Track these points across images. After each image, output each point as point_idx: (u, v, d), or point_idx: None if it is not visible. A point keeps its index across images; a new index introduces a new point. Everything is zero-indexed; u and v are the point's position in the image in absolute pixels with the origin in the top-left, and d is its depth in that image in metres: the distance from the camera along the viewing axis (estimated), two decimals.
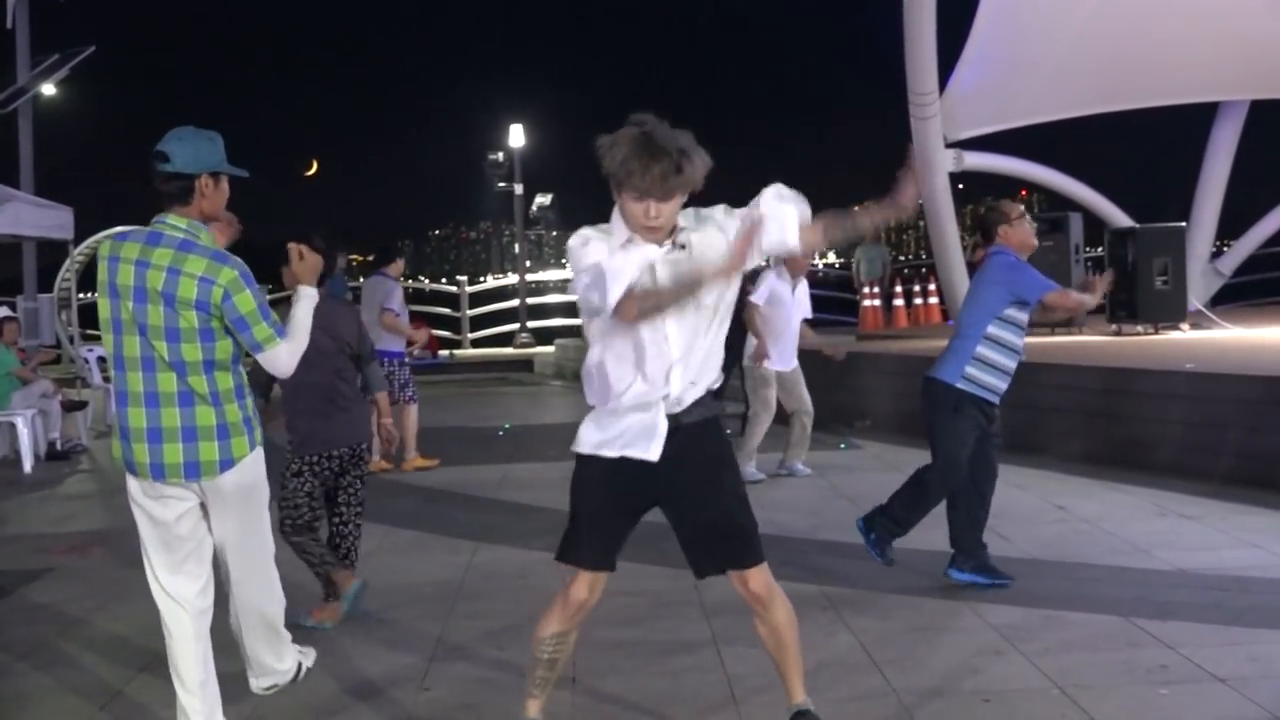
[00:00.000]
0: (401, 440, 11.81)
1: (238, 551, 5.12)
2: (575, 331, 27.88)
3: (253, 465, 5.08)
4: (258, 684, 5.35)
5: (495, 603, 7.54)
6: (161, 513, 5.02)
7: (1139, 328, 16.81)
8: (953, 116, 22.77)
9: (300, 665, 5.45)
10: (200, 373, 4.89)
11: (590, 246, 4.56)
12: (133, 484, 5.04)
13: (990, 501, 7.74)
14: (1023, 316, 7.46)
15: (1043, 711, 5.41)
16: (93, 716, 5.82)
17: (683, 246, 4.57)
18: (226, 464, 4.96)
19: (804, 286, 11.66)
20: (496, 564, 8.54)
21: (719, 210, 4.72)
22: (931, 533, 8.94)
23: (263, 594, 5.22)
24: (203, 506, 5.07)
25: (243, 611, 5.21)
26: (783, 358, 11.70)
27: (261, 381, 7.84)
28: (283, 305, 5.38)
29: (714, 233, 4.63)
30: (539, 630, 4.99)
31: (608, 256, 4.51)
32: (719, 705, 5.64)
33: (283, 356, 5.02)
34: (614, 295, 4.43)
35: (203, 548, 5.11)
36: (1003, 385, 7.51)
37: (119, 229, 5.08)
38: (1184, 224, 20.56)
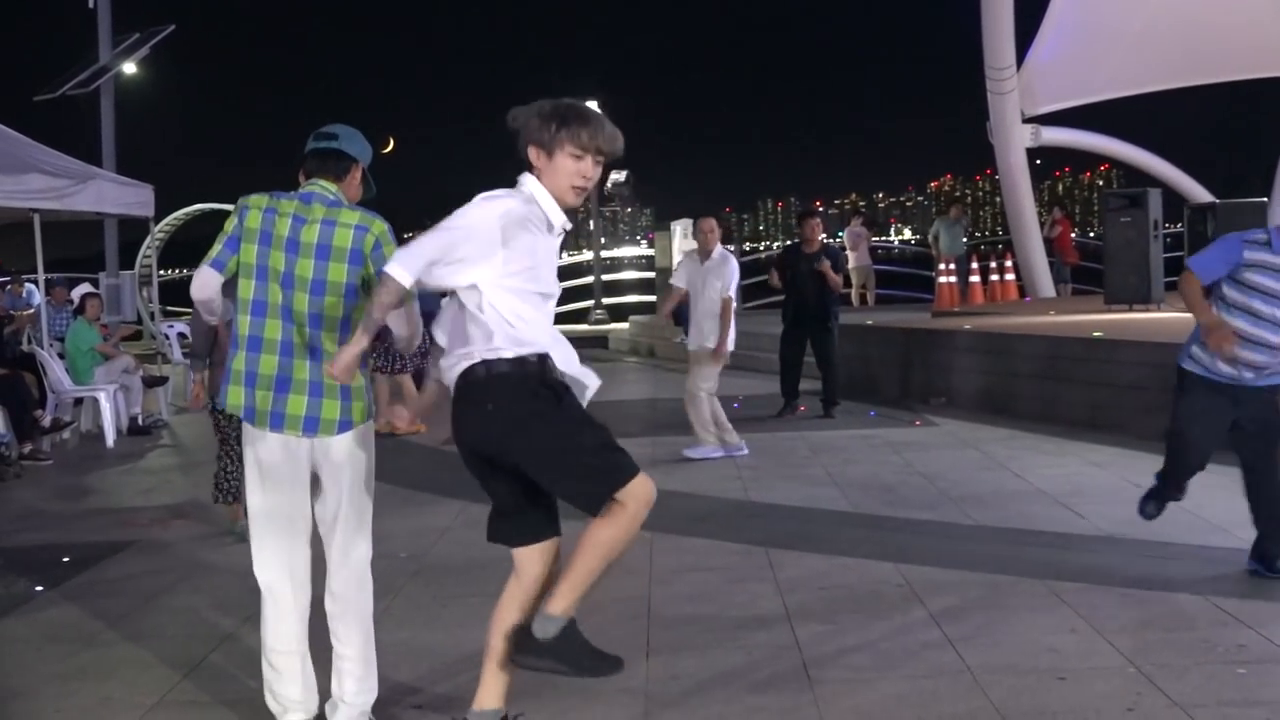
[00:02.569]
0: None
1: (339, 520, 5.16)
2: (650, 308, 27.91)
3: (366, 433, 5.18)
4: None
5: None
6: (284, 466, 5.09)
7: None
8: (1030, 91, 22.63)
9: None
10: (335, 329, 5.02)
11: (517, 230, 4.39)
12: (249, 431, 5.12)
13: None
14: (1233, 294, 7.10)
15: (1118, 690, 5.38)
16: (176, 686, 5.91)
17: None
18: (345, 424, 5.07)
19: (722, 266, 11.53)
20: (573, 540, 8.54)
21: None
22: (1007, 510, 8.92)
23: (356, 578, 5.24)
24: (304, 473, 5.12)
25: (338, 601, 5.21)
26: (691, 335, 11.74)
27: (200, 345, 9.19)
28: None
29: None
30: (502, 619, 4.71)
31: (532, 247, 4.42)
32: (793, 680, 5.64)
33: (410, 317, 5.04)
34: (398, 266, 4.31)
35: (304, 513, 5.17)
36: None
37: (275, 191, 5.15)
38: (1265, 199, 20.31)
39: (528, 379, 4.43)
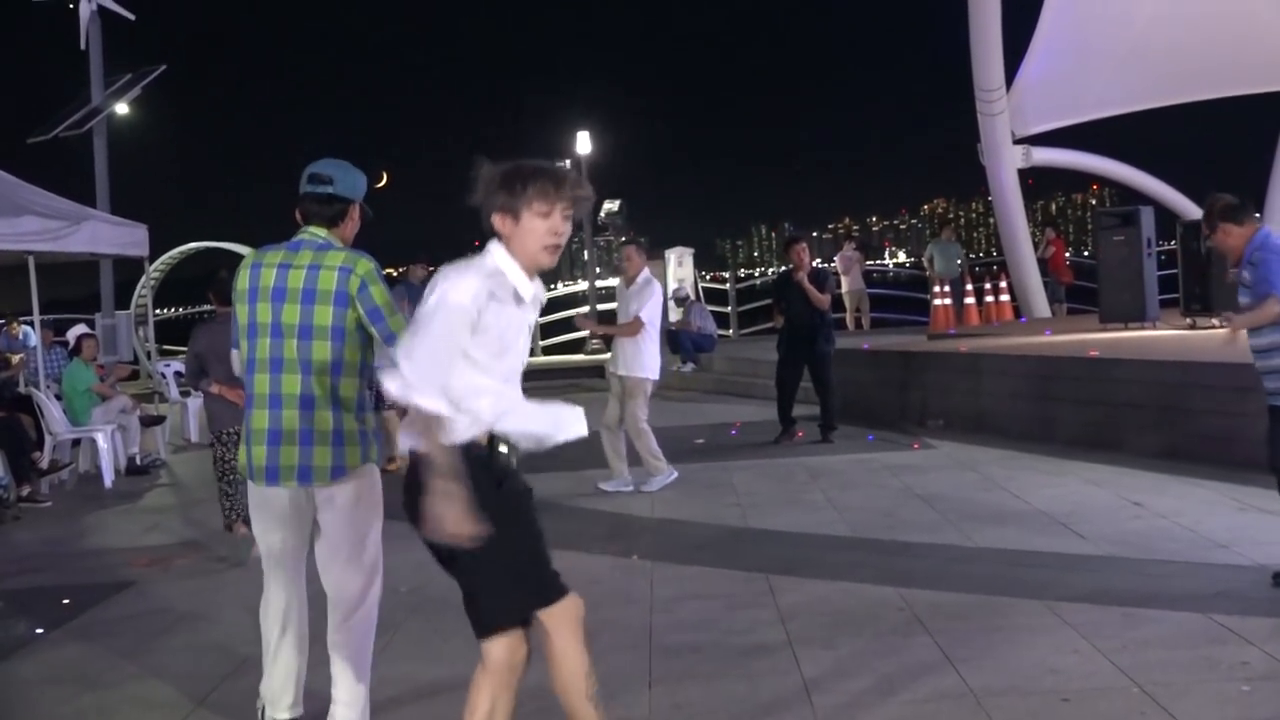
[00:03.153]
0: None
1: (333, 564, 5.27)
2: None
3: (366, 478, 5.24)
4: None
5: None
6: (274, 512, 5.22)
7: (1213, 320, 16.62)
8: (1020, 112, 22.71)
9: None
10: (326, 374, 5.07)
11: (460, 319, 4.11)
12: (253, 490, 5.25)
13: None
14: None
15: (1122, 710, 5.37)
16: None
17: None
18: (339, 470, 5.12)
19: (643, 290, 11.49)
20: (570, 570, 8.51)
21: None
22: (1007, 531, 8.92)
23: (351, 622, 5.33)
24: (305, 518, 5.25)
25: (332, 644, 5.33)
26: (616, 361, 11.72)
27: (192, 368, 10.03)
28: None
29: None
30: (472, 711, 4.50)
31: (498, 315, 4.15)
32: (796, 706, 5.64)
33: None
34: (425, 396, 4.05)
35: (303, 559, 5.33)
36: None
37: (266, 246, 5.26)
38: (1258, 215, 20.35)
39: (470, 467, 4.16)
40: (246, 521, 7.54)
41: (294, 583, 5.40)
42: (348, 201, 5.31)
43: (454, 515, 4.09)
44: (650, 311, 11.39)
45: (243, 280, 5.20)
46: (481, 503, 4.15)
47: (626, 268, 11.90)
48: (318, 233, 5.25)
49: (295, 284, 5.09)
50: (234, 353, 5.35)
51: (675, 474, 11.57)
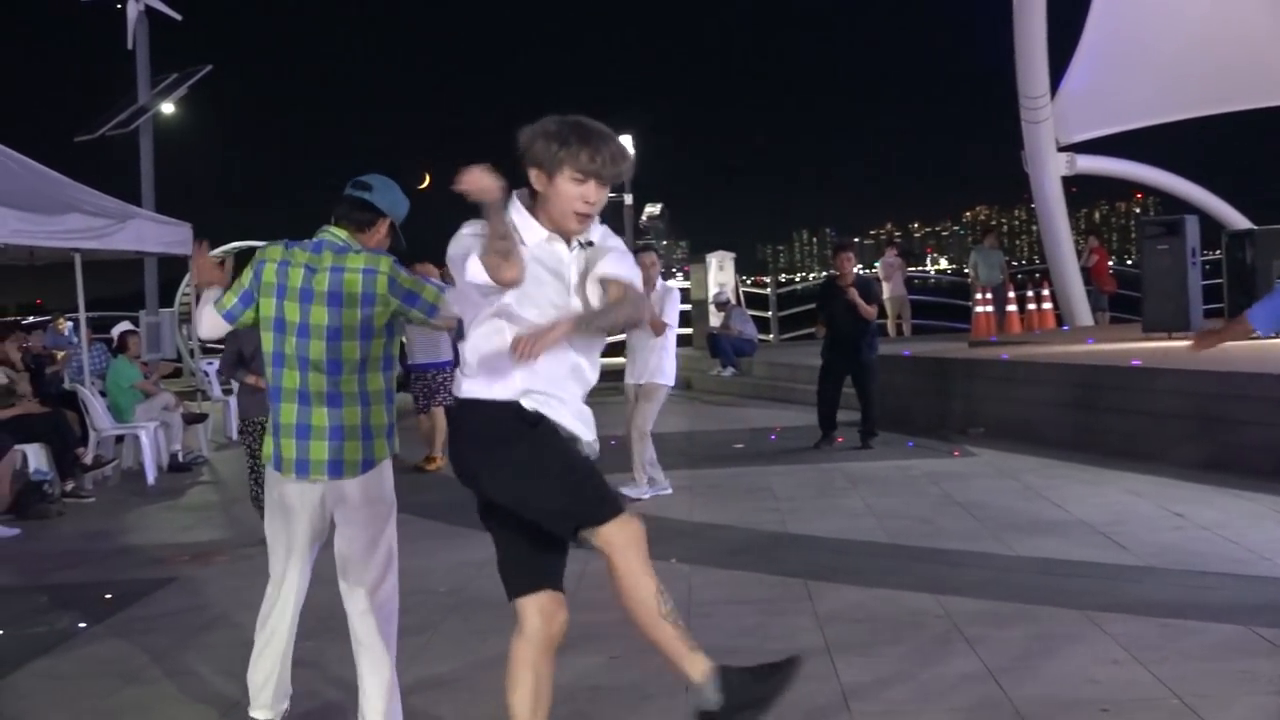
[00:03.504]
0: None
1: (353, 558, 5.34)
2: (687, 340, 27.94)
3: (386, 469, 5.36)
4: None
5: (610, 611, 7.53)
6: (295, 505, 5.32)
7: (1257, 331, 16.51)
8: (1064, 119, 22.62)
9: None
10: (354, 372, 5.20)
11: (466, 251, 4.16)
12: (272, 477, 5.35)
13: None
14: None
15: None
16: None
17: (589, 243, 4.32)
18: (369, 464, 5.24)
19: (663, 299, 11.38)
20: (606, 573, 8.57)
21: (618, 243, 4.47)
22: (1047, 540, 8.88)
23: (373, 615, 5.38)
24: (323, 512, 5.35)
25: (356, 638, 5.40)
26: (634, 370, 11.81)
27: (230, 359, 10.46)
28: None
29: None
30: (513, 683, 4.59)
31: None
32: (833, 714, 5.63)
33: (449, 309, 5.24)
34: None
35: (313, 550, 5.47)
36: None
37: (287, 241, 5.36)
38: None
39: (501, 412, 4.24)
40: None
41: (302, 578, 5.52)
42: (379, 214, 5.39)
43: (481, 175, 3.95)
44: (672, 317, 11.42)
45: (269, 274, 5.28)
46: (515, 435, 4.22)
47: (645, 275, 11.93)
48: (338, 234, 5.33)
49: (321, 287, 5.19)
50: (218, 320, 5.41)
51: (650, 493, 11.44)
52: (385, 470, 5.37)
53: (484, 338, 4.29)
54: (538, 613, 4.42)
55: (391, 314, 5.26)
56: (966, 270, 27.02)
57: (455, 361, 14.35)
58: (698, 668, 4.24)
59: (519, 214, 4.23)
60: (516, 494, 4.29)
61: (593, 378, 4.45)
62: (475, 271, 4.08)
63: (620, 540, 4.23)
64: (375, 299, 5.20)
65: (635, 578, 4.24)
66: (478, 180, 3.94)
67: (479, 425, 4.30)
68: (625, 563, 4.23)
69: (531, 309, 4.22)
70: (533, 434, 4.24)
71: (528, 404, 4.25)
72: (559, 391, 4.31)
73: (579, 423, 4.37)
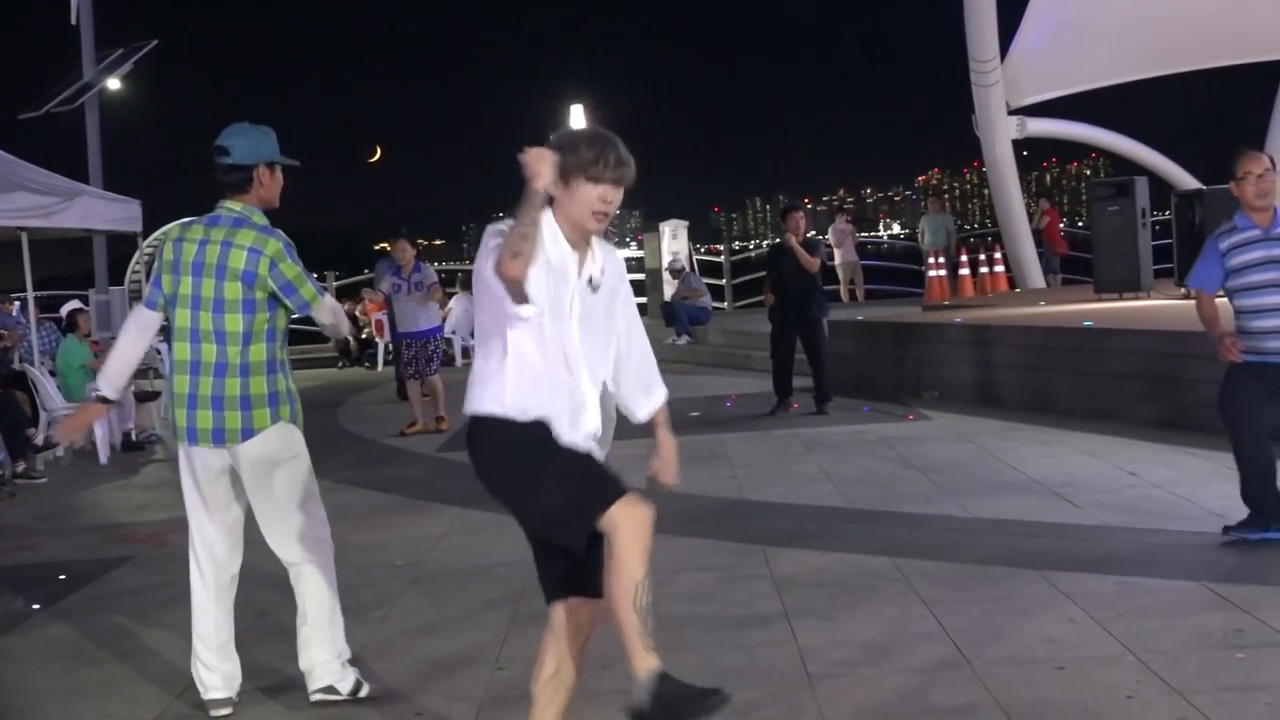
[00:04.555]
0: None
1: (268, 520, 5.59)
2: (641, 309, 27.95)
3: (275, 437, 5.51)
4: (312, 686, 5.70)
5: None
6: (200, 474, 5.58)
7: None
8: (1015, 82, 22.65)
9: (360, 684, 5.73)
10: (237, 343, 5.40)
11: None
12: (180, 449, 5.61)
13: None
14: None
15: (1118, 678, 5.39)
16: (170, 704, 5.90)
17: (594, 281, 4.48)
18: (247, 433, 5.44)
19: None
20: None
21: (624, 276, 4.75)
22: (1002, 501, 8.93)
23: (306, 566, 5.64)
24: (228, 479, 5.61)
25: (295, 576, 5.68)
26: None
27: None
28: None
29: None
30: (540, 672, 4.64)
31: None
32: (793, 678, 5.65)
33: (326, 312, 5.63)
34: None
35: (232, 513, 5.67)
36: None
37: (187, 219, 5.55)
38: None
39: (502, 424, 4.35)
40: None
41: (231, 550, 5.72)
42: (248, 168, 5.51)
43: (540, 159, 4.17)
44: None
45: (168, 252, 5.55)
46: (519, 442, 4.35)
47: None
48: (232, 207, 5.53)
49: (211, 259, 5.42)
50: (143, 311, 5.71)
51: None
52: (288, 436, 5.55)
53: (500, 352, 4.36)
54: (566, 614, 4.56)
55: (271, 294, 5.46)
56: (918, 237, 27.09)
57: (440, 329, 15.34)
58: (643, 664, 4.28)
59: (548, 221, 4.37)
60: (516, 513, 4.56)
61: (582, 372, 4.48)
62: (488, 272, 4.22)
63: (622, 522, 4.30)
64: (255, 278, 5.40)
65: (625, 563, 4.28)
66: (538, 161, 4.15)
67: (492, 442, 4.41)
68: (623, 545, 4.28)
69: (548, 318, 4.33)
70: (536, 441, 4.36)
71: (524, 417, 4.34)
72: (552, 397, 4.40)
73: (570, 426, 4.44)
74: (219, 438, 5.44)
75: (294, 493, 5.61)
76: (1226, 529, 7.46)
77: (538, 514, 4.46)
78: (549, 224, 4.37)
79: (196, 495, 5.64)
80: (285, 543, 5.62)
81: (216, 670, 5.67)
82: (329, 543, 5.74)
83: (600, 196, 4.39)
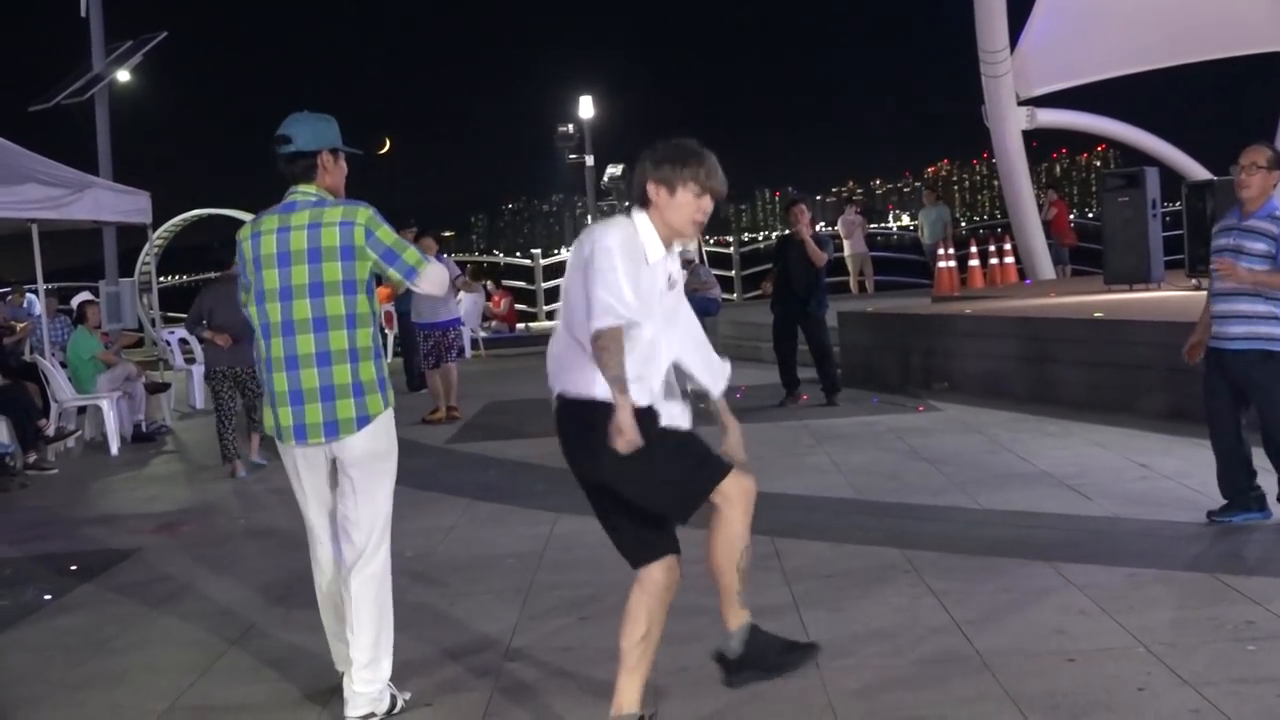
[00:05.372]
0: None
1: (363, 517, 5.35)
2: None
3: (385, 426, 5.34)
4: (351, 713, 5.35)
5: (577, 573, 7.58)
6: (305, 473, 5.38)
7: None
8: (1025, 73, 22.60)
9: (395, 699, 5.49)
10: (341, 327, 5.18)
11: (622, 262, 4.61)
12: (282, 452, 5.40)
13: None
14: None
15: (1128, 670, 5.38)
16: (185, 692, 5.91)
17: (690, 261, 4.85)
18: (363, 420, 5.23)
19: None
20: (577, 535, 8.58)
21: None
22: (1012, 492, 8.92)
23: (371, 576, 5.41)
24: (333, 474, 5.37)
25: (354, 592, 5.37)
26: None
27: (194, 317, 12.31)
28: None
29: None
30: (629, 627, 4.88)
31: (634, 274, 4.61)
32: (801, 670, 5.63)
33: (432, 277, 5.33)
34: (604, 322, 4.52)
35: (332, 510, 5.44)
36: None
37: (261, 212, 5.39)
38: None
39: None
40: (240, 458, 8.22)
41: (329, 542, 5.51)
42: (313, 154, 5.32)
43: (629, 424, 4.45)
44: None
45: (247, 251, 5.30)
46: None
47: None
48: (308, 190, 5.31)
49: (299, 245, 5.17)
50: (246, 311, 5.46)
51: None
52: (385, 424, 5.35)
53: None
54: (663, 571, 4.84)
55: (371, 269, 5.26)
56: (917, 229, 27.10)
57: (459, 319, 15.47)
58: (737, 619, 4.93)
59: (645, 229, 4.76)
60: (630, 491, 4.77)
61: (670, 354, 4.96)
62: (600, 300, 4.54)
63: (732, 493, 4.79)
64: (354, 251, 5.18)
65: (732, 528, 4.81)
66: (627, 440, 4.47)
67: (591, 422, 4.64)
68: (731, 513, 4.79)
69: (648, 319, 4.70)
70: (646, 423, 4.61)
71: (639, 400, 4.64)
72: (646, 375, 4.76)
73: (663, 399, 4.86)
74: (332, 430, 5.22)
75: (387, 491, 5.47)
76: (1211, 517, 7.72)
77: (655, 488, 4.74)
78: (646, 227, 4.76)
79: (316, 496, 5.42)
80: (363, 545, 5.36)
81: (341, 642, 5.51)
82: (388, 554, 5.54)
83: (701, 208, 4.79)
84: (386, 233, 5.24)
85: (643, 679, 4.88)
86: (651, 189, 4.76)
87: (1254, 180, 7.48)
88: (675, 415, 4.88)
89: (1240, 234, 7.52)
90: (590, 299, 4.54)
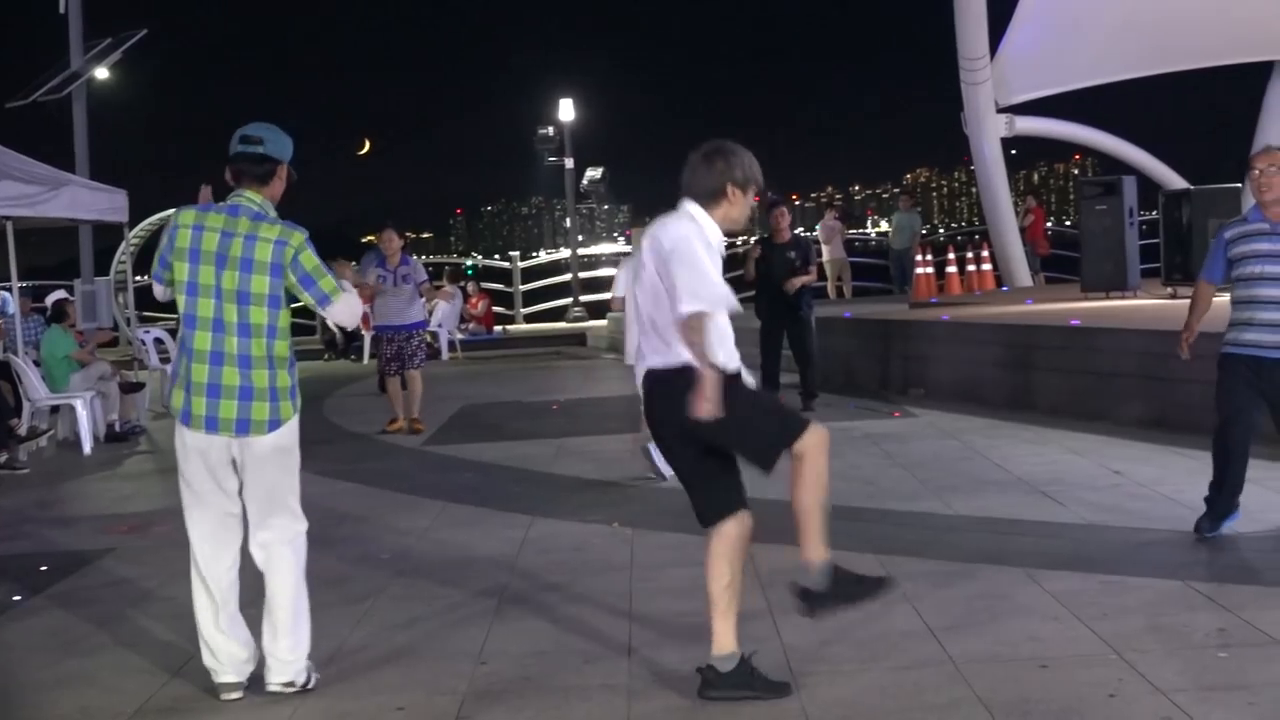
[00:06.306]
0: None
1: (262, 509, 5.65)
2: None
3: (290, 429, 5.64)
4: (274, 679, 5.72)
5: (552, 576, 7.57)
6: (210, 462, 5.60)
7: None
8: (1004, 81, 22.65)
9: (311, 675, 5.78)
10: (262, 336, 5.48)
11: (704, 252, 5.31)
12: (184, 433, 5.60)
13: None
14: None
15: (1101, 677, 5.39)
16: (157, 693, 5.88)
17: None
18: (274, 424, 5.53)
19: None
20: (552, 538, 8.58)
21: None
22: (988, 499, 8.94)
23: (284, 547, 5.71)
24: (232, 464, 5.62)
25: (272, 567, 5.71)
26: None
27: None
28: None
29: None
30: (714, 573, 5.49)
31: (714, 262, 5.36)
32: (776, 674, 5.63)
33: (343, 306, 5.70)
34: (694, 306, 5.18)
35: (236, 503, 5.69)
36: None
37: (202, 204, 5.60)
38: (1239, 185, 20.32)
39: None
40: None
41: (234, 537, 5.76)
42: (277, 162, 5.67)
43: (716, 395, 5.10)
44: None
45: (184, 239, 5.55)
46: (733, 388, 5.32)
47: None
48: (253, 198, 5.60)
49: (235, 252, 5.48)
50: (156, 286, 5.75)
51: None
52: (292, 427, 5.66)
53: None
54: (736, 524, 5.45)
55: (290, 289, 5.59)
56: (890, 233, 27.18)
57: (425, 323, 14.99)
58: (820, 553, 5.35)
59: (705, 220, 5.44)
60: (743, 433, 5.39)
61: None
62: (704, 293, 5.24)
63: (814, 445, 5.31)
64: (282, 270, 5.50)
65: (818, 474, 5.31)
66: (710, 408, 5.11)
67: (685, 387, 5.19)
68: (815, 461, 5.30)
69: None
70: (731, 382, 5.31)
71: (730, 368, 5.41)
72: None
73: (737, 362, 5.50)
74: (243, 428, 5.52)
75: (292, 483, 5.73)
76: (1203, 533, 7.62)
77: (751, 440, 5.38)
78: (707, 220, 5.43)
79: (210, 482, 5.64)
80: (273, 523, 5.67)
81: (224, 654, 5.74)
82: (305, 535, 5.80)
83: (754, 205, 5.56)
84: (310, 258, 5.56)
85: (734, 620, 5.41)
86: (730, 188, 5.42)
87: (1276, 181, 7.45)
88: (751, 380, 5.54)
89: (1278, 239, 7.44)
90: (683, 282, 5.19)
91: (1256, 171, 7.51)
